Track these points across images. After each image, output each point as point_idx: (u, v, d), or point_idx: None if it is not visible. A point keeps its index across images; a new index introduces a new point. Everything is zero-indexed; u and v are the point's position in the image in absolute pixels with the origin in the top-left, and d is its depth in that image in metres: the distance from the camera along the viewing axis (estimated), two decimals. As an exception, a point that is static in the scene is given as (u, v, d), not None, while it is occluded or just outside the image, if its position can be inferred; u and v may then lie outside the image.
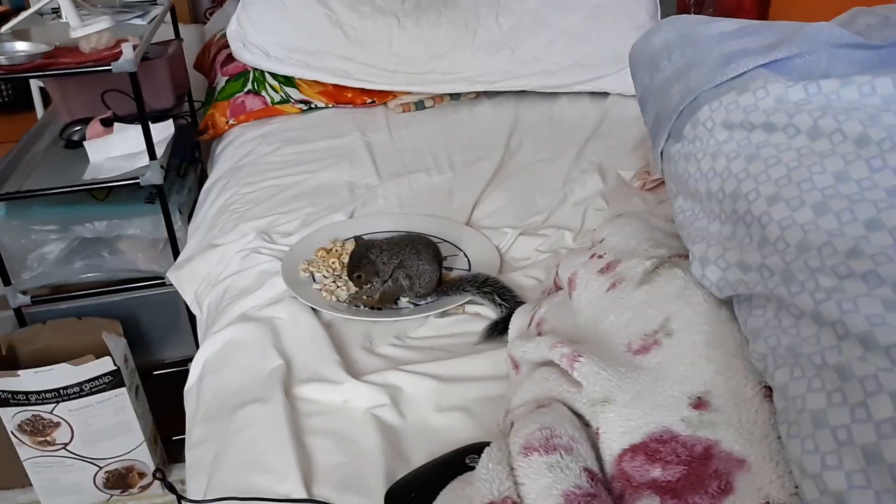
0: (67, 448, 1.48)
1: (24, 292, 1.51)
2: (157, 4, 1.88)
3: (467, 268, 1.15)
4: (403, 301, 1.08)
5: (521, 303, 1.00)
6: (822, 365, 0.43)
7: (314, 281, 1.13)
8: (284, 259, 1.17)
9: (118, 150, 1.58)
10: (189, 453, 0.91)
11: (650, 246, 0.68)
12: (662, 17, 1.95)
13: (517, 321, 0.87)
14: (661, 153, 0.69)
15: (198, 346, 1.54)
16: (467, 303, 1.05)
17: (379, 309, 1.06)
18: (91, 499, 1.57)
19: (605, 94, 1.82)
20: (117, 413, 1.48)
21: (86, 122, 1.68)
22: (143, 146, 1.49)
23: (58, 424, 1.45)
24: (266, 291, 1.12)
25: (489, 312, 1.03)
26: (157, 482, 1.58)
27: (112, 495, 1.57)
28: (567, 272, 0.78)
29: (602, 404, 0.53)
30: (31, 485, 1.56)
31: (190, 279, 1.29)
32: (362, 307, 1.06)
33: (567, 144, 1.58)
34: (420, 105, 1.83)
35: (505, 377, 0.85)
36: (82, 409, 1.44)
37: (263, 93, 1.79)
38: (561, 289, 0.85)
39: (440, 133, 1.69)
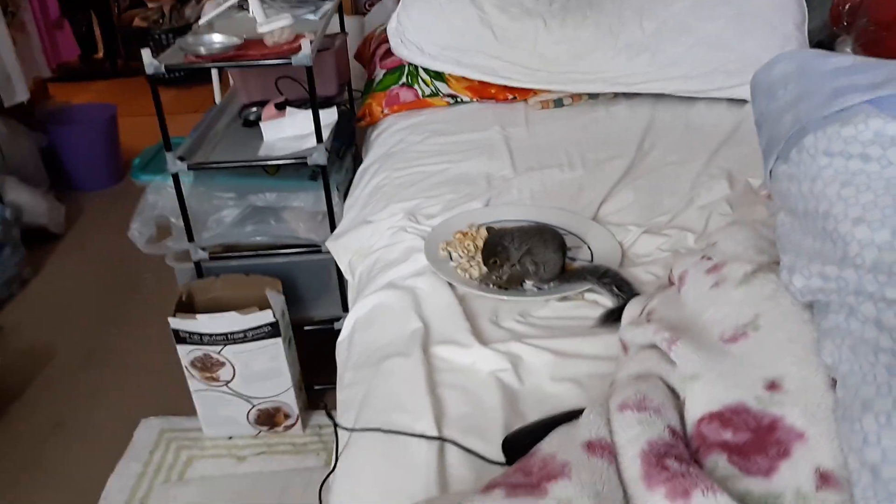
0: (229, 385, 1.73)
1: (203, 249, 1.76)
2: (326, 0, 2.09)
3: (590, 259, 1.26)
4: (528, 284, 1.20)
5: (637, 294, 1.10)
6: (875, 363, 0.52)
7: (451, 259, 1.28)
8: (427, 238, 1.33)
9: (289, 132, 1.79)
10: (341, 393, 1.09)
11: (754, 252, 0.77)
12: (813, 27, 1.95)
13: (630, 310, 0.98)
14: (770, 171, 0.77)
15: (345, 308, 1.75)
16: (587, 290, 1.17)
17: (506, 289, 1.19)
18: (243, 431, 1.81)
19: (743, 102, 1.85)
20: (272, 359, 1.71)
21: (261, 104, 1.92)
22: (312, 129, 1.69)
23: (223, 364, 1.69)
24: (410, 265, 1.28)
25: (606, 301, 1.14)
26: (299, 422, 1.80)
27: (260, 430, 1.81)
28: (679, 269, 0.88)
29: (691, 379, 0.64)
30: (196, 414, 1.82)
31: (345, 249, 1.48)
32: (492, 286, 1.20)
33: (699, 149, 1.64)
34: (559, 103, 1.94)
35: (615, 358, 0.96)
36: (244, 352, 1.67)
37: (416, 86, 1.96)
38: (673, 284, 0.95)
39: (576, 131, 1.79)
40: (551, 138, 1.76)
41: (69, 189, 3.12)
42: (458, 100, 1.97)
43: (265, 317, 1.65)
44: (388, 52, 2.03)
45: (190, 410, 1.86)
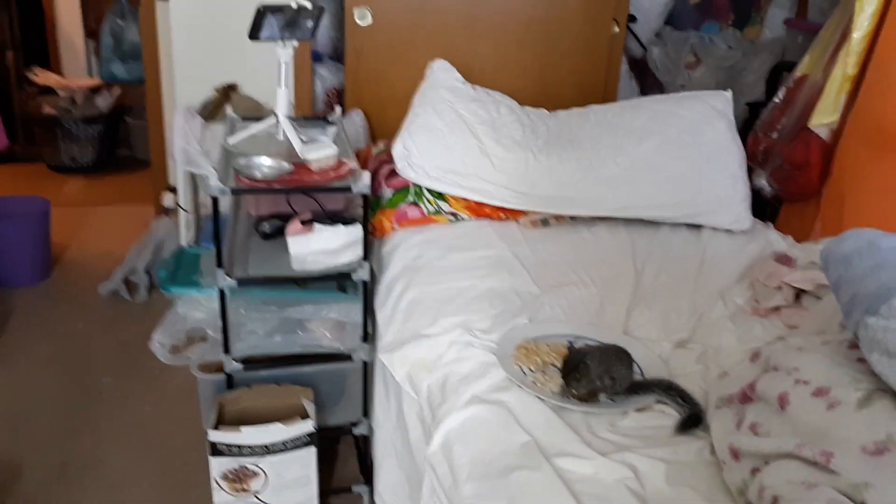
0: (258, 496, 1.75)
1: (236, 360, 1.80)
2: (329, 123, 2.23)
3: (640, 373, 1.48)
4: (602, 397, 1.39)
5: (698, 404, 1.33)
6: None
7: (523, 373, 1.45)
8: (496, 353, 1.49)
9: (316, 246, 1.90)
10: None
11: (851, 380, 1.02)
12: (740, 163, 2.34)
13: (721, 421, 1.20)
14: (859, 322, 1.03)
15: (364, 413, 1.84)
16: (656, 402, 1.38)
17: (585, 401, 1.38)
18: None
19: (699, 227, 2.19)
20: (304, 468, 1.76)
21: (278, 217, 2.01)
22: (340, 244, 1.81)
23: (256, 474, 1.72)
24: (489, 379, 1.43)
25: (670, 410, 1.36)
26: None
27: (282, 540, 1.82)
28: (773, 391, 1.12)
29: (865, 486, 0.86)
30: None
31: (403, 361, 1.60)
32: (572, 399, 1.38)
33: (683, 270, 1.94)
34: (545, 222, 2.20)
35: (711, 462, 1.18)
36: (280, 462, 1.72)
37: (421, 204, 2.15)
38: (752, 400, 1.18)
39: (571, 250, 2.04)
40: (554, 257, 1.99)
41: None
42: (458, 217, 2.17)
43: (306, 427, 1.71)
44: (393, 173, 2.20)
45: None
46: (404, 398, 1.59)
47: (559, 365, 1.45)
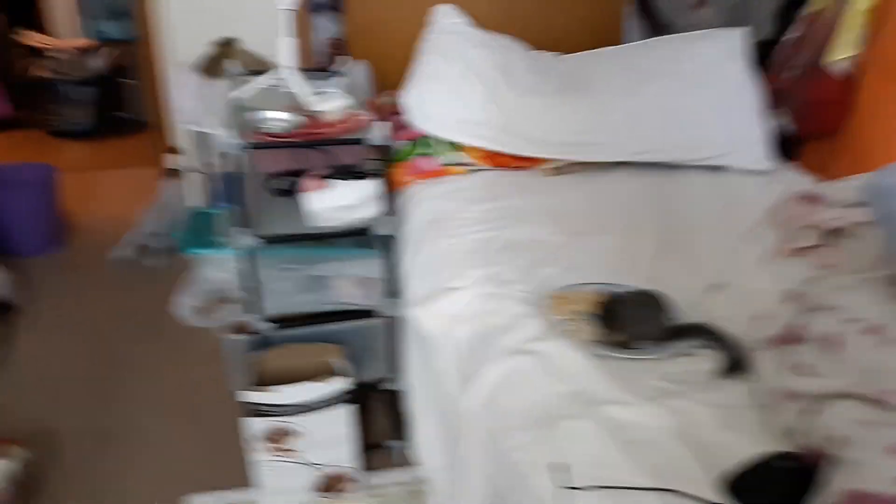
0: (296, 454, 1.76)
1: (265, 320, 1.80)
2: (334, 73, 2.16)
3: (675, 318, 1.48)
4: (640, 343, 1.39)
5: (739, 347, 1.33)
6: None
7: (561, 322, 1.44)
8: (529, 303, 1.48)
9: (333, 202, 1.88)
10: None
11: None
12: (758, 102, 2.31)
13: (766, 364, 1.20)
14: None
15: (394, 370, 1.85)
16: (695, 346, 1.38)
17: (625, 348, 1.38)
18: (303, 499, 1.84)
19: (721, 168, 2.17)
20: (341, 425, 1.77)
21: (290, 174, 1.98)
22: (357, 199, 1.79)
23: (294, 433, 1.73)
24: (524, 330, 1.43)
25: (710, 354, 1.36)
26: (355, 486, 1.86)
27: (322, 496, 1.85)
28: (821, 331, 1.12)
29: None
30: (245, 485, 1.83)
31: (432, 315, 1.60)
32: (611, 345, 1.38)
33: (706, 213, 1.92)
34: (562, 170, 2.17)
35: (758, 406, 1.19)
36: (316, 420, 1.73)
37: (435, 156, 2.11)
38: (797, 341, 1.18)
39: (591, 197, 2.03)
40: (576, 205, 1.97)
41: (7, 255, 2.93)
42: (474, 167, 2.14)
43: (343, 383, 1.71)
44: (403, 125, 2.16)
45: (232, 482, 1.87)
46: (437, 352, 1.58)
47: (594, 312, 1.45)
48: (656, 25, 3.55)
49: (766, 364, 1.21)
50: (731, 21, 3.43)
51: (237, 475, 1.87)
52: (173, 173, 3.13)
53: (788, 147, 2.44)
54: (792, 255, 1.68)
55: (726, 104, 2.17)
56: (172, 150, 3.18)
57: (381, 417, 2.08)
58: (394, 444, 1.97)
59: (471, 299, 1.56)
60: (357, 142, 1.67)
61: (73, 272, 2.91)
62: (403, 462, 1.94)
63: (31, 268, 2.90)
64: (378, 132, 1.66)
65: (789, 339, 1.21)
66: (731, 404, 1.22)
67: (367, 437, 1.99)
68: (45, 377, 2.32)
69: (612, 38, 2.88)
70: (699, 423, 1.18)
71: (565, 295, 1.53)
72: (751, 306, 1.47)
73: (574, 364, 1.33)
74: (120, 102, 4.47)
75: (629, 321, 1.39)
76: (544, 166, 2.17)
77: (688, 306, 1.51)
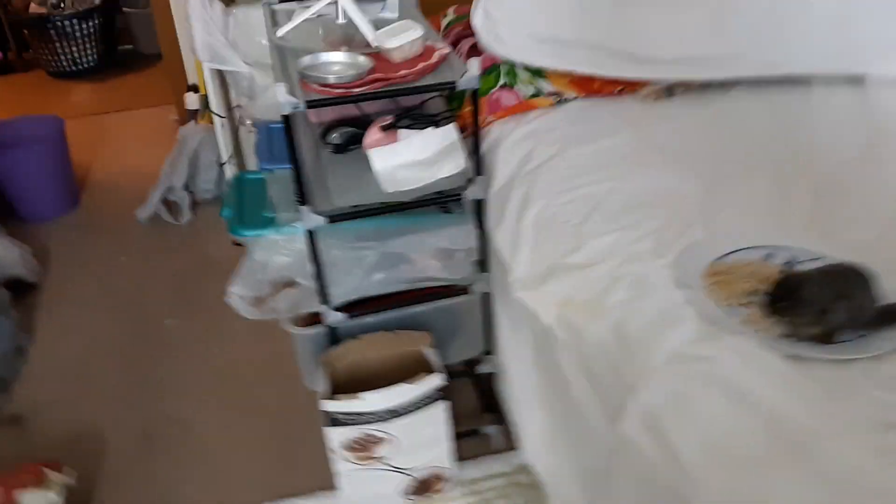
0: (385, 461, 1.50)
1: (336, 309, 1.49)
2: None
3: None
4: (845, 335, 1.07)
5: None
6: None
7: (727, 312, 1.12)
8: (681, 287, 1.16)
9: (402, 158, 1.53)
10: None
11: None
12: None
13: None
14: None
15: (487, 350, 1.55)
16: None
17: (823, 342, 1.06)
18: (390, 505, 1.60)
19: (860, 81, 1.77)
20: (435, 424, 1.49)
21: (341, 123, 1.62)
22: (432, 153, 1.45)
23: (383, 440, 1.46)
24: (683, 326, 1.10)
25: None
26: (450, 485, 1.60)
27: (412, 500, 1.59)
28: None
29: None
30: (321, 490, 1.59)
31: (549, 302, 1.28)
32: (804, 342, 1.06)
33: (861, 140, 1.55)
34: (668, 92, 1.79)
35: None
36: (409, 423, 1.45)
37: (516, 87, 1.74)
38: None
39: (710, 127, 1.66)
40: (698, 139, 1.61)
41: (17, 223, 2.63)
42: (562, 97, 1.77)
43: (434, 381, 1.43)
44: (472, 49, 1.78)
45: (309, 486, 1.63)
46: (555, 345, 1.27)
47: (770, 293, 1.12)
48: None
49: None
50: None
51: (314, 478, 1.63)
52: (195, 114, 2.78)
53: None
54: None
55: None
56: (193, 89, 2.82)
57: (471, 400, 1.80)
58: (490, 429, 1.71)
59: (599, 280, 1.23)
60: (449, 87, 1.30)
61: (92, 237, 2.61)
62: (500, 447, 1.69)
63: (45, 235, 2.60)
64: (472, 71, 1.29)
65: None
66: None
67: (458, 424, 1.73)
68: (73, 366, 2.06)
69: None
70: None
71: (725, 269, 1.19)
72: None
73: (762, 374, 1.01)
74: (122, 34, 4.05)
75: (825, 304, 1.05)
76: (647, 90, 1.79)
77: (886, 275, 1.17)
